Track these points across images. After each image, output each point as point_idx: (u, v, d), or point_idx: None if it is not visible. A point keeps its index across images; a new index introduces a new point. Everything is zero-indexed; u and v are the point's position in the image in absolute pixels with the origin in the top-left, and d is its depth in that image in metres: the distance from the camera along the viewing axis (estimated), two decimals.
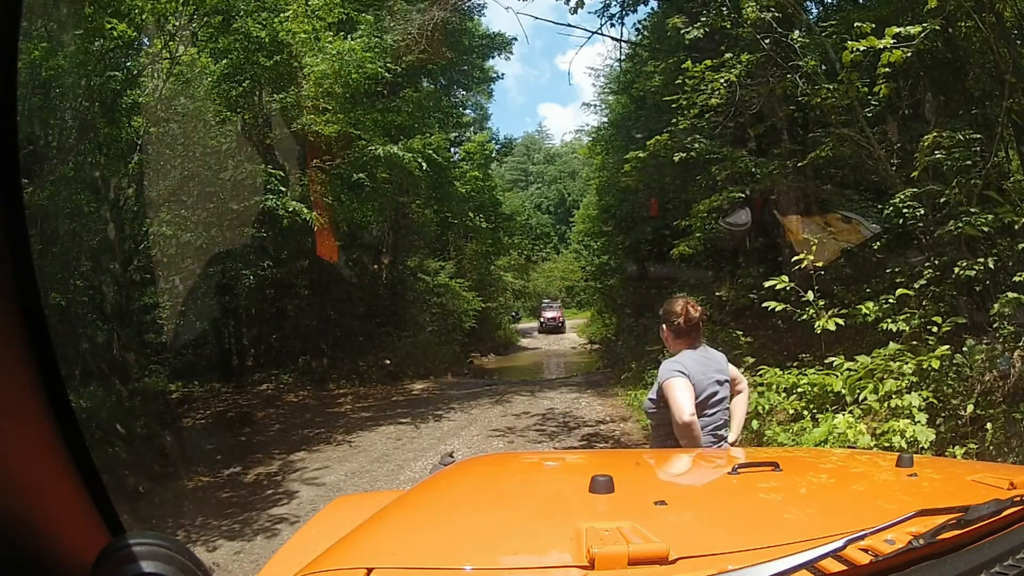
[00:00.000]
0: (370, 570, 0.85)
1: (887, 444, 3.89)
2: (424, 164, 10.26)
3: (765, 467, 1.36)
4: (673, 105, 7.55)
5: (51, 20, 6.92)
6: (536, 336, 27.32)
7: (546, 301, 30.21)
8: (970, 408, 4.00)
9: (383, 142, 9.94)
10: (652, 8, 12.22)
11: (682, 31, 6.57)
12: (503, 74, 29.79)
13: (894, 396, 4.21)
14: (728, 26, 6.35)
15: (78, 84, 7.16)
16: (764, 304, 5.38)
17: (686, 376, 2.16)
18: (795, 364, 5.84)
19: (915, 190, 5.20)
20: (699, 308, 2.34)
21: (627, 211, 14.73)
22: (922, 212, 5.29)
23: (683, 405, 2.09)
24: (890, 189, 5.56)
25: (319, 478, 5.89)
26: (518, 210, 23.54)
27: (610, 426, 7.60)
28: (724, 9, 6.45)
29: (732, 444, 2.34)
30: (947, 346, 4.38)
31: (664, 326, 2.37)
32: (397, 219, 14.10)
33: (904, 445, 3.82)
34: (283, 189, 8.77)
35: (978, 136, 5.33)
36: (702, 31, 6.39)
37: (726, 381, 2.31)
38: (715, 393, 2.24)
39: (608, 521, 0.91)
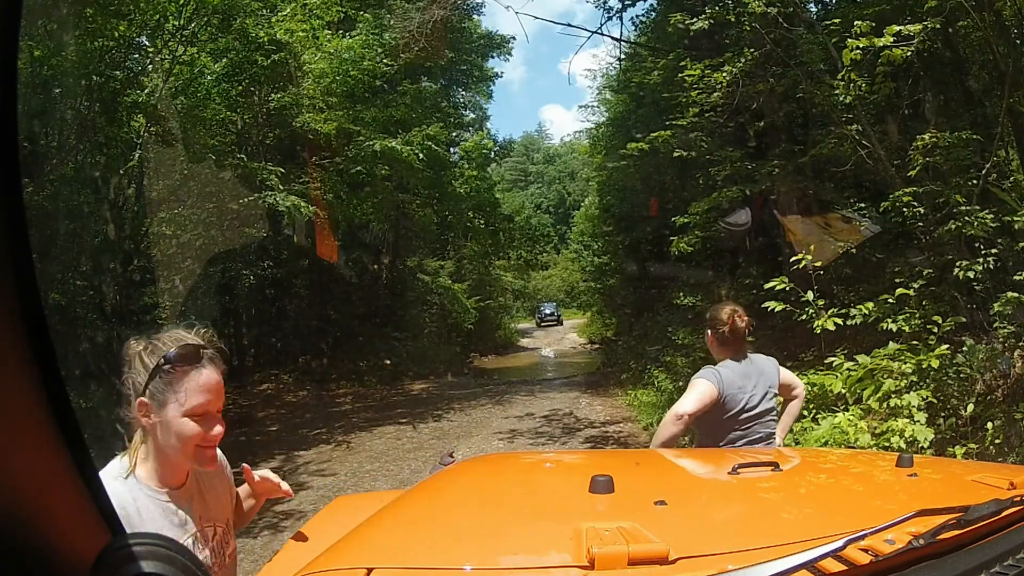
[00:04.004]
0: (370, 570, 0.85)
1: (886, 444, 3.89)
2: (422, 155, 10.22)
3: (765, 467, 1.36)
4: (673, 103, 7.53)
5: (51, 20, 6.92)
6: (536, 336, 27.29)
7: (544, 304, 32.96)
8: (970, 408, 3.99)
9: (382, 137, 9.93)
10: (652, 4, 12.23)
11: (686, 22, 6.54)
12: (502, 72, 29.81)
13: (893, 396, 4.20)
14: (732, 19, 6.32)
15: (78, 84, 7.16)
16: (764, 304, 5.37)
17: (715, 386, 2.12)
18: (794, 364, 5.83)
19: (915, 189, 5.20)
20: (746, 318, 2.26)
21: (627, 211, 14.71)
22: (922, 212, 5.29)
23: (686, 404, 2.08)
24: (890, 189, 5.55)
25: (319, 478, 5.89)
26: (517, 210, 23.52)
27: (613, 427, 7.59)
28: (729, 1, 6.43)
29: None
30: (947, 346, 4.37)
31: (709, 331, 2.32)
32: (397, 219, 14.09)
33: (903, 445, 3.81)
34: (283, 187, 8.78)
35: (976, 137, 5.33)
36: (706, 23, 6.36)
37: (774, 394, 2.25)
38: (753, 407, 2.17)
39: (608, 521, 0.91)
